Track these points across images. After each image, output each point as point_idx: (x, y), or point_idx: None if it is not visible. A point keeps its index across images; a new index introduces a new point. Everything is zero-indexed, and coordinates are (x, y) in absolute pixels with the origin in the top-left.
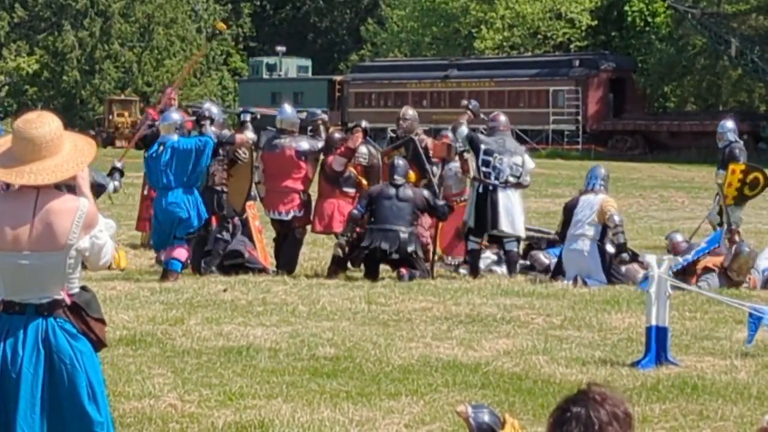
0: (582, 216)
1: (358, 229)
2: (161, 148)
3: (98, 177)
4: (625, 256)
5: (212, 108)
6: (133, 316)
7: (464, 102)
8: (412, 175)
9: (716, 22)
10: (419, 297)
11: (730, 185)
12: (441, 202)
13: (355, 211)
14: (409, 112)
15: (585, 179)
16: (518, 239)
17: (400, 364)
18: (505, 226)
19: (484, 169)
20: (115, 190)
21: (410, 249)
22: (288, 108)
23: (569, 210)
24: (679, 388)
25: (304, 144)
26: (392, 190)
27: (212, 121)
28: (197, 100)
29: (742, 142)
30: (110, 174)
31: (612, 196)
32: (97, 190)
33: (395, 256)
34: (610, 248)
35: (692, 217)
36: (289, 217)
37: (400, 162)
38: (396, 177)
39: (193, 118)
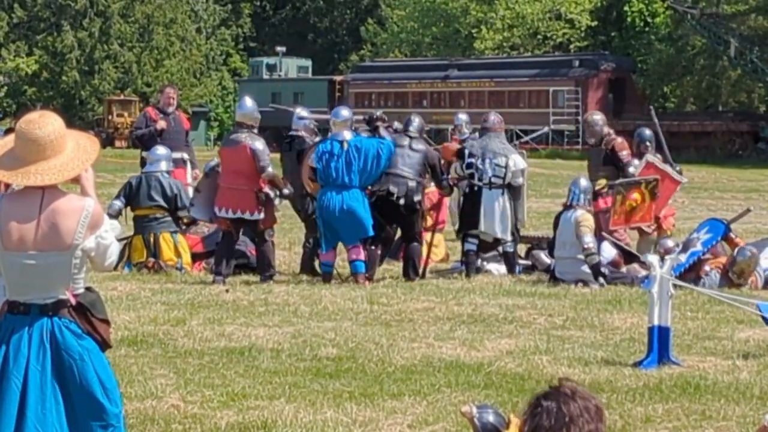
0: (565, 236)
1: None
2: (344, 145)
3: None
4: (601, 279)
5: (303, 113)
6: (134, 317)
7: (451, 127)
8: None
9: (715, 22)
10: (421, 297)
11: None
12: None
13: None
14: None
15: (568, 191)
16: (515, 240)
17: (402, 365)
18: (483, 226)
19: (468, 171)
20: None
21: (416, 198)
22: (248, 101)
23: (557, 224)
24: (682, 388)
25: (259, 144)
26: (406, 140)
27: (384, 121)
28: (197, 101)
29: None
30: None
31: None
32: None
33: (401, 201)
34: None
35: (692, 217)
36: (245, 216)
37: (416, 119)
38: (410, 129)
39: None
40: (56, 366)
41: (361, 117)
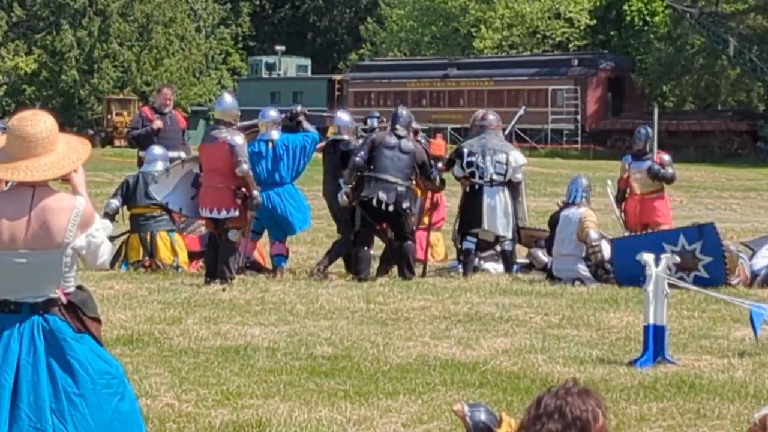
0: (565, 234)
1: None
2: (270, 144)
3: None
4: (602, 274)
5: (344, 116)
6: (130, 316)
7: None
8: None
9: (714, 21)
10: (418, 296)
11: None
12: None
13: (357, 158)
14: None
15: (567, 190)
16: (513, 239)
17: (398, 363)
18: (486, 224)
19: (469, 170)
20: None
21: (405, 205)
22: (228, 98)
23: (554, 223)
24: (677, 386)
25: (239, 139)
26: (394, 140)
27: (306, 115)
28: (197, 100)
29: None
30: None
31: (593, 209)
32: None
33: (391, 208)
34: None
35: (690, 216)
36: (221, 216)
37: (403, 112)
38: (398, 126)
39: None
40: (51, 350)
41: (359, 120)
